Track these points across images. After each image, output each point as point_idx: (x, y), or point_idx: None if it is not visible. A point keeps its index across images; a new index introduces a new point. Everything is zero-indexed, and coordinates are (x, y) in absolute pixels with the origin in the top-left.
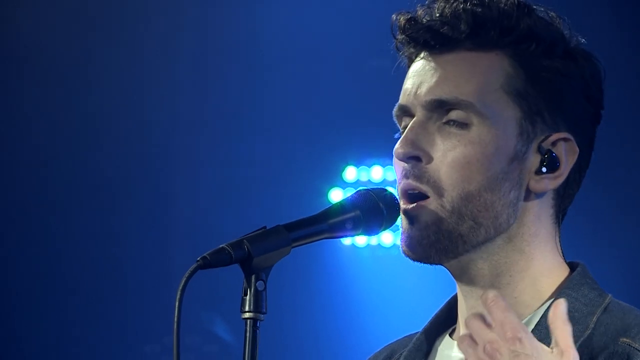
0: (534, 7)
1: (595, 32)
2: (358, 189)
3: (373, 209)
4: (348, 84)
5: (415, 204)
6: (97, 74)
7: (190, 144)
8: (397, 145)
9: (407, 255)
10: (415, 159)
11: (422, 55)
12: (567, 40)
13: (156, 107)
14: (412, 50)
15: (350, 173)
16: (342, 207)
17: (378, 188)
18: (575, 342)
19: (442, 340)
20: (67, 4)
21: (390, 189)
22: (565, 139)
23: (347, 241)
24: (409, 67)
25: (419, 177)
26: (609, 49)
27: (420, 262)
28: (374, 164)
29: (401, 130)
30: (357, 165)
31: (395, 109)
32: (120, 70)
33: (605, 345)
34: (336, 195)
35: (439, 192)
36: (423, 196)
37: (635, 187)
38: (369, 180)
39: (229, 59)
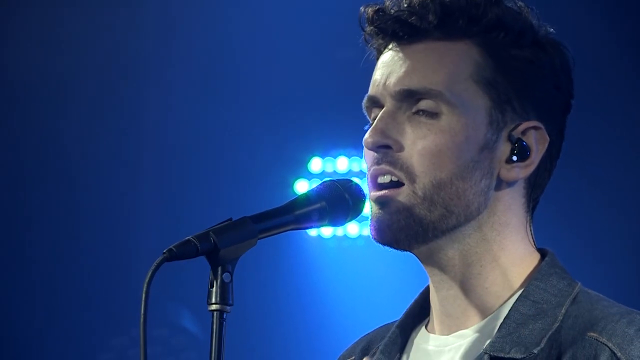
0: None
1: (570, 26)
2: (323, 180)
3: (339, 200)
4: (313, 75)
5: (387, 190)
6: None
7: (156, 135)
8: (366, 135)
9: (376, 240)
10: (385, 147)
11: (390, 46)
12: (536, 29)
13: (121, 100)
14: (380, 41)
15: (316, 164)
16: (307, 199)
17: (344, 179)
18: (544, 335)
19: (417, 332)
20: None
21: (356, 180)
22: (535, 128)
23: (313, 232)
24: (377, 58)
25: (392, 163)
26: (581, 41)
27: (389, 246)
28: (340, 155)
29: (371, 122)
30: (322, 156)
31: (364, 101)
32: (80, 69)
33: (574, 339)
34: (302, 187)
35: (412, 179)
36: (395, 184)
37: (617, 181)
38: (334, 171)
39: (193, 50)
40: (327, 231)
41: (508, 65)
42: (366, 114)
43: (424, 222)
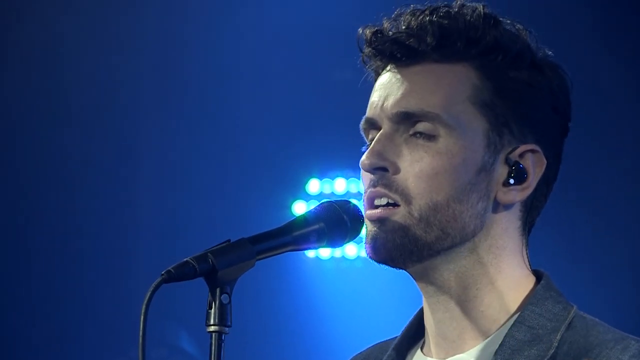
0: (500, 19)
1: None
2: (321, 201)
3: (337, 221)
4: (311, 96)
5: (382, 209)
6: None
7: (155, 158)
8: (363, 157)
9: (371, 257)
10: (382, 169)
11: (388, 67)
12: (534, 51)
13: (120, 117)
14: (378, 63)
15: (314, 186)
16: (305, 220)
17: (342, 200)
18: None
19: (413, 355)
20: None
21: (354, 201)
22: (532, 151)
23: (311, 254)
24: (375, 80)
25: (387, 186)
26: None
27: (385, 264)
28: (337, 177)
29: (368, 143)
30: (320, 177)
31: (362, 122)
32: (81, 73)
33: None
34: (300, 208)
35: (408, 201)
36: (391, 205)
37: (609, 199)
38: (332, 192)
39: (191, 71)
40: (325, 252)
41: (506, 87)
42: (363, 135)
43: (420, 242)
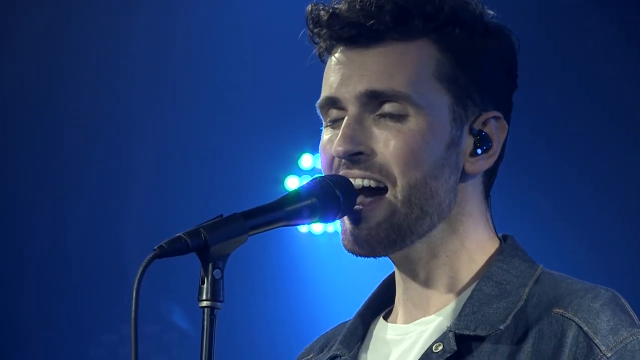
0: None
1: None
2: (314, 177)
3: (329, 196)
4: (302, 71)
5: (372, 198)
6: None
7: (147, 133)
8: (336, 143)
9: (352, 252)
10: (358, 154)
11: (343, 48)
12: (485, 17)
13: (110, 99)
14: (333, 42)
15: (307, 160)
16: (298, 195)
17: (334, 175)
18: (509, 314)
19: (376, 322)
20: None
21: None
22: (495, 117)
23: (303, 229)
24: (322, 58)
25: (369, 168)
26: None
27: (366, 257)
28: None
29: (327, 124)
30: (313, 152)
31: (320, 101)
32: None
33: (539, 316)
34: (292, 183)
35: (393, 181)
36: (379, 190)
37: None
38: None
39: (184, 50)
40: (317, 227)
41: (466, 59)
42: (321, 114)
43: (402, 228)
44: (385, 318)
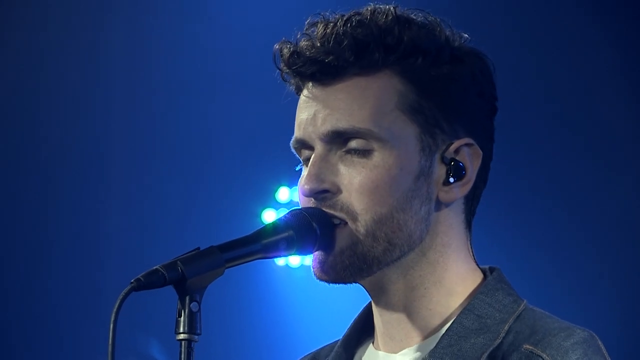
0: (413, 16)
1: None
2: (291, 209)
3: (306, 229)
4: (279, 103)
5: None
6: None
7: (124, 164)
8: (302, 182)
9: (321, 279)
10: (323, 192)
11: (310, 85)
12: (451, 42)
13: (89, 123)
14: (299, 81)
15: (283, 194)
16: (275, 228)
17: (311, 208)
18: (485, 351)
19: (365, 349)
20: None
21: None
22: (467, 144)
23: (280, 261)
24: (298, 94)
25: (331, 206)
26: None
27: (335, 283)
28: None
29: (302, 162)
30: (290, 185)
31: (292, 141)
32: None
33: (509, 352)
34: (269, 216)
35: (353, 217)
36: (337, 225)
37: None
38: None
39: (158, 78)
40: (294, 260)
41: (430, 87)
42: (296, 154)
43: (368, 258)
44: (372, 344)
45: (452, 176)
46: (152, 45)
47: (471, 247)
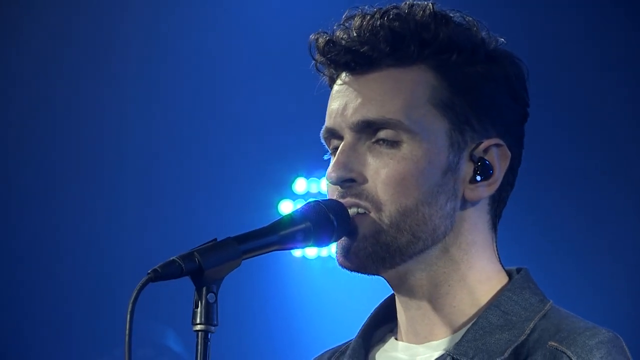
0: (451, 14)
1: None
2: (308, 201)
3: (323, 220)
4: (298, 95)
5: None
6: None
7: (141, 155)
8: (329, 170)
9: (344, 266)
10: (350, 180)
11: (344, 75)
12: (487, 43)
13: (106, 117)
14: (333, 71)
15: (300, 185)
16: (292, 219)
17: (328, 199)
18: (509, 346)
19: (386, 341)
20: None
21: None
22: (496, 145)
23: (297, 253)
24: (331, 86)
25: (357, 195)
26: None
27: (358, 272)
28: (324, 176)
29: (331, 151)
30: (307, 177)
31: (322, 131)
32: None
33: (535, 349)
34: (286, 207)
35: (378, 207)
36: (361, 214)
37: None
38: (319, 192)
39: (178, 68)
40: (311, 252)
41: (463, 84)
42: (325, 144)
43: (391, 248)
44: (394, 337)
45: (479, 174)
46: (173, 38)
47: (497, 249)
